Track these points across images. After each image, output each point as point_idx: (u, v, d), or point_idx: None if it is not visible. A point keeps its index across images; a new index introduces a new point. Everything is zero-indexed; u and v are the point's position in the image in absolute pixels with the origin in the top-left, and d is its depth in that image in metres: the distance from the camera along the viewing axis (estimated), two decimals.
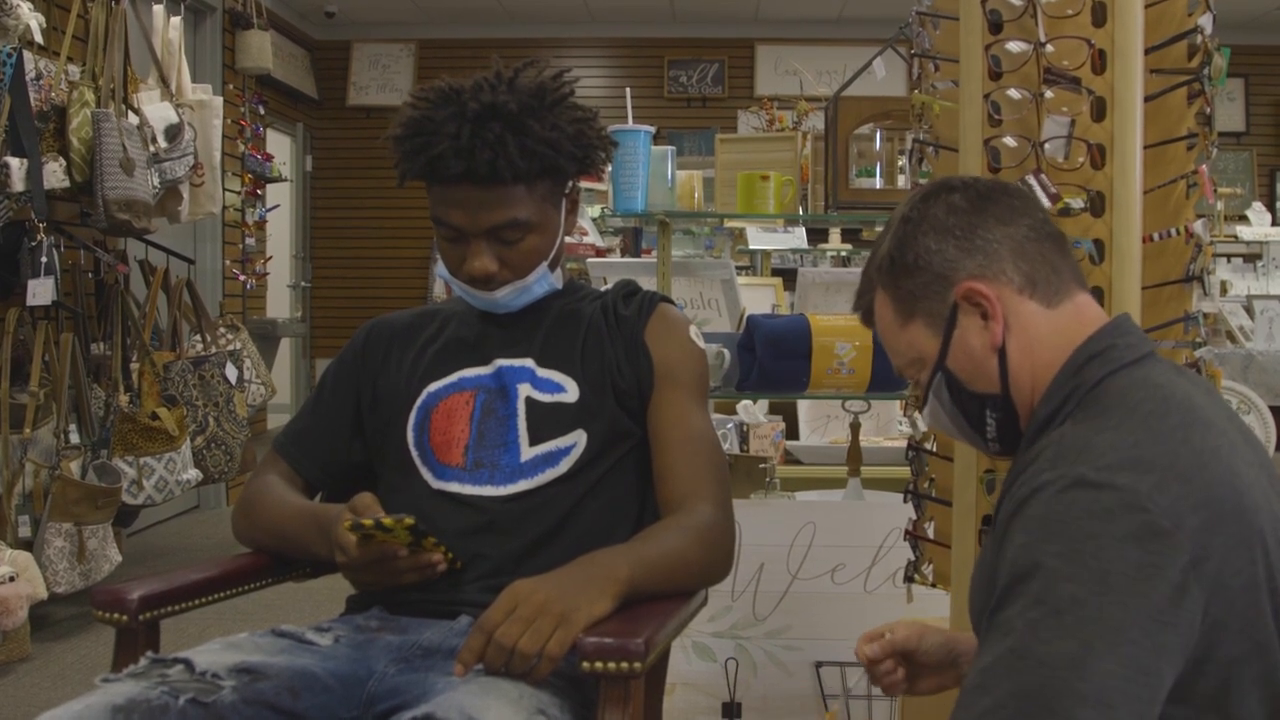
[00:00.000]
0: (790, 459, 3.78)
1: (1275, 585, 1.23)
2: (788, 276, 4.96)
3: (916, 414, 1.87)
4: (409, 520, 1.59)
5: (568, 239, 1.90)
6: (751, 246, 5.42)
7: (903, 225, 1.44)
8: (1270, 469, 1.34)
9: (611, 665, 1.43)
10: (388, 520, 1.59)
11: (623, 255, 5.78)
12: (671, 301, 1.95)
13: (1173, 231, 1.89)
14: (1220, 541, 1.19)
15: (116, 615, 1.67)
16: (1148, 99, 1.88)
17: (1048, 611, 1.16)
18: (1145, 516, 1.18)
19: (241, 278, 7.00)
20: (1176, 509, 1.18)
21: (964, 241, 1.40)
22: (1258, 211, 7.92)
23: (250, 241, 7.21)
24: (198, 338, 4.99)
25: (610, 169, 2.97)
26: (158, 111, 4.46)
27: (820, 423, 4.04)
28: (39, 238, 3.93)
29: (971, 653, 1.58)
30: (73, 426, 4.26)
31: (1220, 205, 7.35)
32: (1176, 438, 1.24)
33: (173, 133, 4.48)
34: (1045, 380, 1.39)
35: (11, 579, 3.61)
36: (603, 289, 1.97)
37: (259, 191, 7.39)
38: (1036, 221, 1.42)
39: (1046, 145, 1.87)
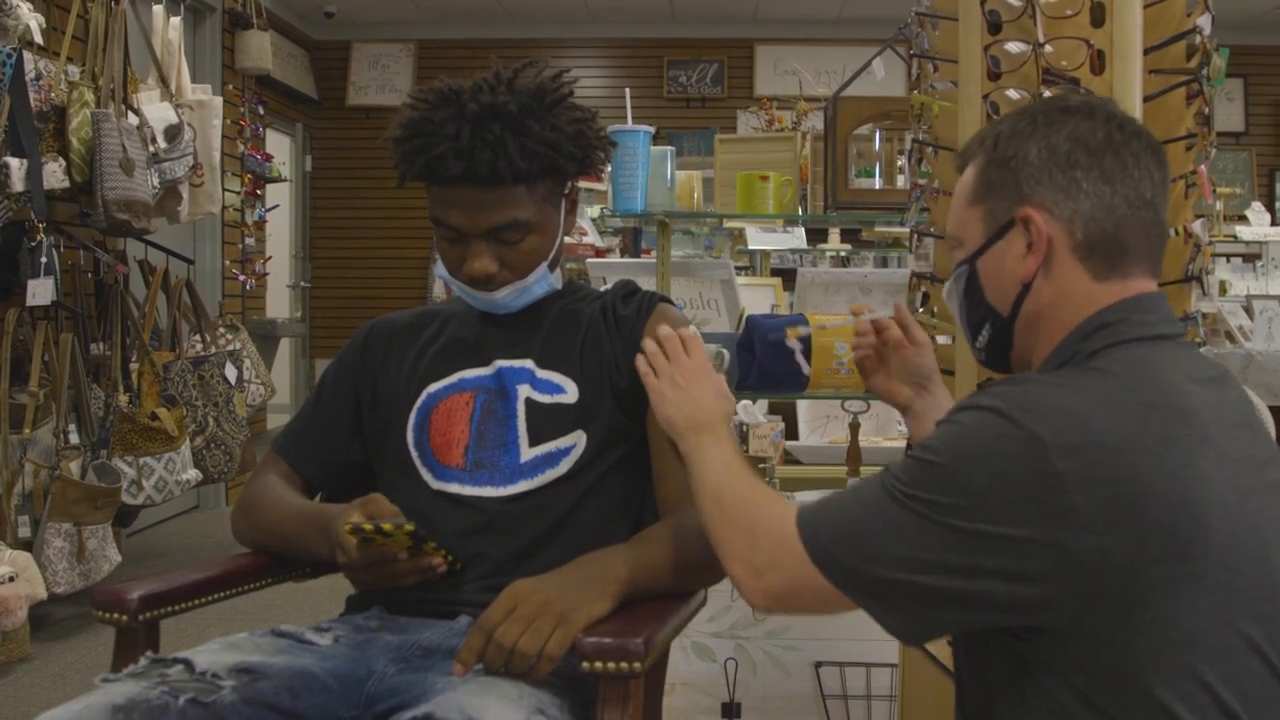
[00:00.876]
0: (790, 459, 3.78)
1: (1211, 581, 1.23)
2: (787, 276, 4.95)
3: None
4: (409, 526, 1.60)
5: (567, 239, 1.90)
6: (751, 246, 5.41)
7: (1030, 122, 1.43)
8: (1273, 470, 1.33)
9: (611, 665, 1.44)
10: (387, 525, 1.59)
11: (622, 255, 5.77)
12: (671, 301, 1.95)
13: (1172, 231, 1.89)
14: (1128, 522, 1.20)
15: (116, 615, 1.67)
16: (1146, 99, 1.88)
17: (903, 489, 1.28)
18: (1041, 466, 1.21)
19: (241, 278, 7.00)
20: (1086, 475, 1.21)
21: (1059, 173, 1.39)
22: (1257, 211, 7.91)
23: (250, 241, 7.21)
24: (197, 338, 4.99)
25: (610, 169, 2.98)
26: (157, 112, 4.47)
27: (819, 423, 4.04)
28: (39, 238, 3.94)
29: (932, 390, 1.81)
30: (72, 426, 4.26)
31: (1219, 205, 7.35)
32: (1132, 415, 1.25)
33: (172, 133, 4.48)
34: (1057, 338, 1.40)
35: (11, 579, 3.61)
36: (602, 289, 1.97)
37: (258, 191, 7.39)
38: (1142, 193, 1.39)
39: None
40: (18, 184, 3.78)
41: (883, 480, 1.32)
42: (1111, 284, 1.39)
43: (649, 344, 1.74)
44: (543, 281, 1.84)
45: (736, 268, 4.83)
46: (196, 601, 1.77)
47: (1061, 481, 1.20)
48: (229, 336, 5.13)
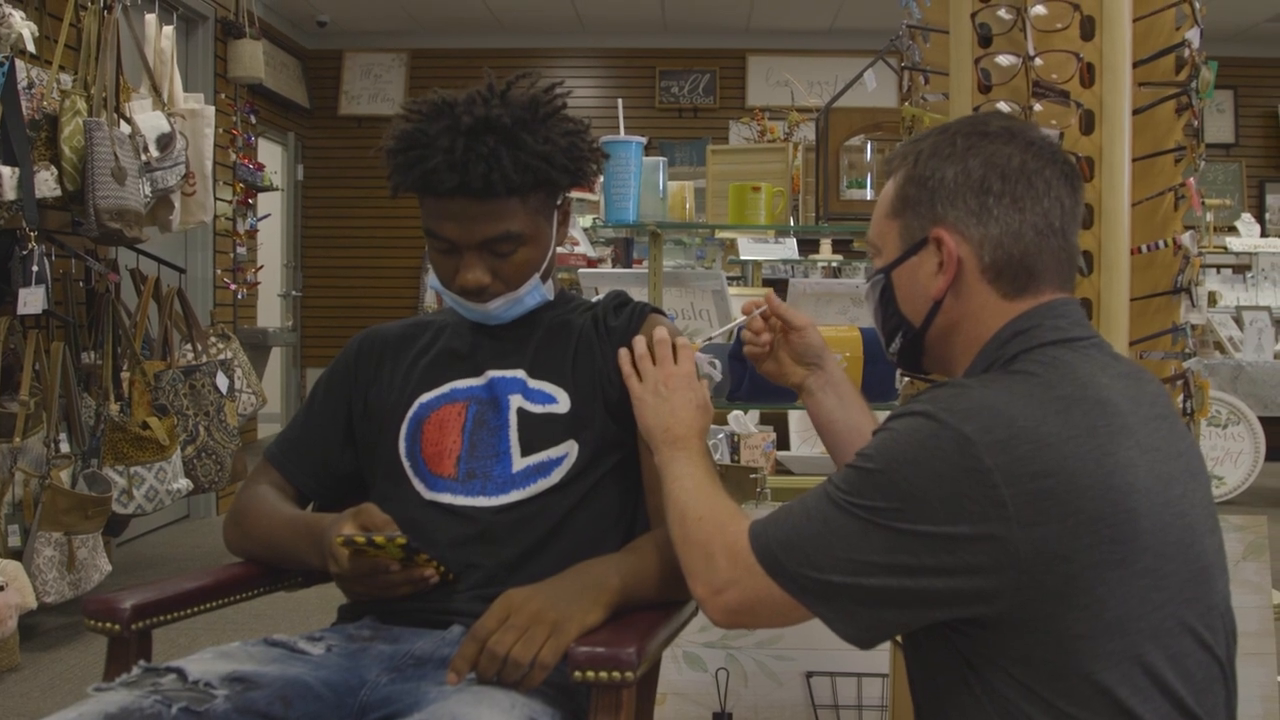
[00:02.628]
0: (781, 469, 3.78)
1: (1141, 566, 1.28)
2: (779, 287, 4.96)
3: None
4: (401, 540, 1.60)
5: (559, 249, 1.91)
6: (743, 257, 5.43)
7: (950, 143, 1.47)
8: (1191, 459, 1.40)
9: (603, 674, 1.44)
10: (379, 538, 1.60)
11: (614, 265, 5.78)
12: (662, 312, 1.96)
13: (1161, 243, 1.90)
14: (1057, 512, 1.25)
15: (109, 624, 1.67)
16: (1136, 112, 1.89)
17: (845, 497, 1.34)
18: (970, 464, 1.26)
19: (232, 287, 6.99)
20: (1013, 470, 1.26)
21: (973, 197, 1.43)
22: (1247, 223, 7.95)
23: (241, 250, 7.20)
24: (188, 347, 4.98)
25: (602, 180, 2.98)
26: (149, 120, 4.46)
27: (811, 433, 4.05)
28: (30, 246, 3.93)
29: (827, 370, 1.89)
30: (63, 435, 4.25)
31: (1209, 216, 7.38)
32: (1054, 409, 1.30)
33: (164, 142, 4.48)
34: (972, 349, 1.46)
35: (1, 588, 3.60)
36: (594, 300, 1.98)
37: (250, 201, 7.39)
38: (1051, 221, 1.43)
39: None
40: (9, 192, 3.77)
41: (825, 489, 1.38)
42: (1021, 301, 1.44)
43: (639, 344, 1.77)
44: (535, 292, 1.84)
45: (728, 278, 4.84)
46: (189, 611, 1.77)
47: (990, 476, 1.25)
48: (220, 346, 5.13)
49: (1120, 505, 1.27)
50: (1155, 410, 1.39)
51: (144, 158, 4.35)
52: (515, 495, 1.77)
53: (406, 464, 1.83)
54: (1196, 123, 1.93)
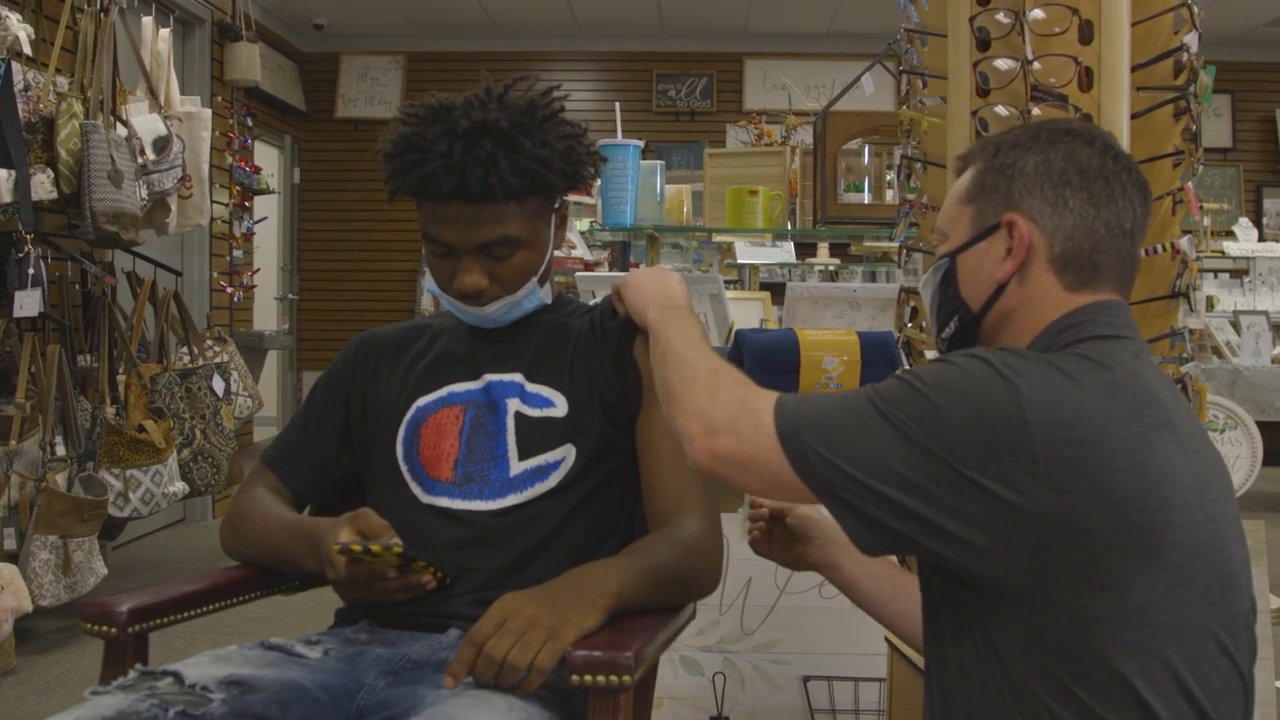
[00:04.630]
0: None
1: (1169, 561, 1.28)
2: (776, 291, 4.96)
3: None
4: (397, 547, 1.60)
5: (556, 253, 1.91)
6: (740, 260, 5.41)
7: (1033, 136, 1.50)
8: (1224, 472, 1.41)
9: (600, 678, 1.44)
10: (375, 546, 1.60)
11: (611, 269, 5.77)
12: None
13: (1159, 248, 1.90)
14: (1086, 486, 1.26)
15: (105, 628, 1.66)
16: (1134, 116, 1.89)
17: (886, 405, 1.34)
18: (1013, 412, 1.27)
19: (229, 290, 6.98)
20: (1052, 432, 1.27)
21: (1050, 188, 1.46)
22: (1244, 227, 7.96)
23: (238, 253, 7.20)
24: (185, 350, 4.98)
25: (599, 183, 2.98)
26: (146, 123, 4.46)
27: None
28: (26, 249, 3.93)
29: (831, 536, 1.86)
30: (59, 438, 4.24)
31: (1207, 221, 7.39)
32: (1102, 390, 1.31)
33: (161, 144, 4.47)
34: (1024, 340, 1.46)
35: None
36: (591, 303, 1.98)
37: (247, 204, 7.38)
38: (1123, 222, 1.45)
39: None
40: (5, 195, 3.77)
41: (867, 392, 1.38)
42: (1081, 295, 1.45)
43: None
44: (533, 296, 1.84)
45: (725, 282, 4.83)
46: (185, 614, 1.77)
47: (1029, 430, 1.26)
48: (216, 349, 5.12)
49: (1154, 494, 1.27)
50: (1193, 419, 1.41)
51: (140, 160, 4.34)
52: (513, 499, 1.76)
53: (404, 467, 1.83)
54: (1194, 127, 1.93)
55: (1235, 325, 6.89)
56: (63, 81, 4.18)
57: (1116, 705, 1.27)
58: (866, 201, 3.41)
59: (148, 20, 4.88)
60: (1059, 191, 1.45)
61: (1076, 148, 1.46)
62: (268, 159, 8.75)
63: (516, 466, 1.78)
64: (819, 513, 1.84)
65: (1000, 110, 1.91)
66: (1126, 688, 1.27)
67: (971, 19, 1.92)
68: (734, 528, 2.21)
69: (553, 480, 1.78)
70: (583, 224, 5.25)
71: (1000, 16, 1.91)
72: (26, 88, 3.98)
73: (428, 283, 1.91)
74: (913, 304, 2.13)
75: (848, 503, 1.33)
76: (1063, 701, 1.29)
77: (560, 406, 1.82)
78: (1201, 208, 1.89)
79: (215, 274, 6.85)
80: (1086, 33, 1.87)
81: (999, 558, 1.28)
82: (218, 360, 5.03)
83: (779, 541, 1.89)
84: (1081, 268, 1.44)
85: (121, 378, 4.59)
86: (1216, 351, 6.78)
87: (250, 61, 7.01)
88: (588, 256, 5.66)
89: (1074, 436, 1.26)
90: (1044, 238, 1.45)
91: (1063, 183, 1.45)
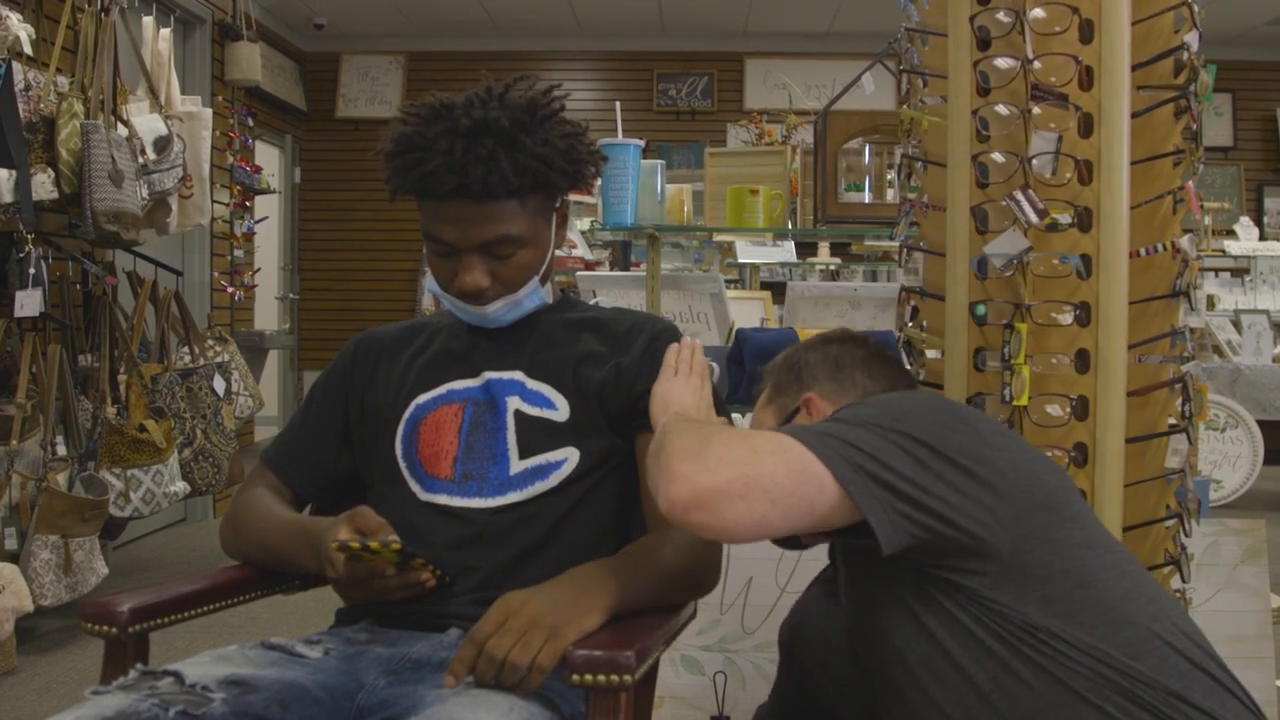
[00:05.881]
0: None
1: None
2: (777, 290, 4.96)
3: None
4: (396, 545, 1.60)
5: (556, 252, 1.91)
6: (740, 260, 5.42)
7: (806, 349, 1.88)
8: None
9: (601, 678, 1.44)
10: (374, 543, 1.60)
11: (611, 268, 5.78)
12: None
13: (1159, 247, 1.90)
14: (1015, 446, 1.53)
15: (105, 627, 1.66)
16: (1134, 115, 1.89)
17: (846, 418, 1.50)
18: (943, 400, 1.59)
19: (229, 289, 6.98)
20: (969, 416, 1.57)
21: (833, 371, 1.83)
22: (1245, 226, 7.96)
23: (238, 253, 7.20)
24: (185, 349, 4.98)
25: (600, 182, 2.98)
26: (147, 123, 4.46)
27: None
28: (27, 249, 3.92)
29: None
30: (60, 438, 4.24)
31: (1208, 220, 7.39)
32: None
33: (161, 144, 4.47)
34: None
35: None
36: (627, 317, 1.94)
37: (247, 203, 7.38)
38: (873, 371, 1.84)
39: (1034, 161, 1.88)
40: (6, 195, 3.76)
41: (834, 418, 1.55)
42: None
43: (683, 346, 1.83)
44: (534, 295, 1.84)
45: (726, 281, 4.84)
46: (186, 614, 1.77)
47: (960, 410, 1.60)
48: (217, 348, 5.12)
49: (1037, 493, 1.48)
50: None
51: (141, 160, 4.34)
52: (513, 497, 1.76)
53: (403, 465, 1.83)
54: (1195, 126, 1.92)
55: (1236, 324, 6.89)
56: (63, 81, 4.18)
57: (1113, 627, 1.39)
58: (867, 201, 3.41)
59: (148, 20, 4.88)
60: (838, 369, 1.83)
61: (839, 346, 1.86)
62: (268, 159, 8.75)
63: (517, 465, 1.78)
64: None
65: (1000, 109, 1.91)
66: (1115, 610, 1.40)
67: (972, 18, 1.92)
68: None
69: (554, 480, 1.78)
70: (583, 223, 5.26)
71: (1001, 15, 1.90)
72: (27, 87, 3.98)
73: (429, 282, 1.91)
74: (913, 303, 2.12)
75: (872, 478, 1.39)
76: (1056, 642, 1.38)
77: (561, 406, 1.82)
78: (1202, 207, 1.89)
79: (216, 274, 6.85)
80: (1087, 32, 1.87)
81: (994, 514, 1.41)
82: (218, 360, 5.03)
83: None
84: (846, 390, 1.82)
85: (122, 377, 4.59)
86: (1217, 350, 6.78)
87: (251, 61, 7.01)
88: (588, 256, 5.66)
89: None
90: (830, 399, 1.79)
91: (836, 365, 1.83)
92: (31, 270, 3.94)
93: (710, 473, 1.38)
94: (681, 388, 1.73)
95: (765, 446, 1.41)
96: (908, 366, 2.11)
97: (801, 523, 1.39)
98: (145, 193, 4.35)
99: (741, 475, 1.37)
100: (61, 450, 4.22)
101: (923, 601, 1.46)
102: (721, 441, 1.42)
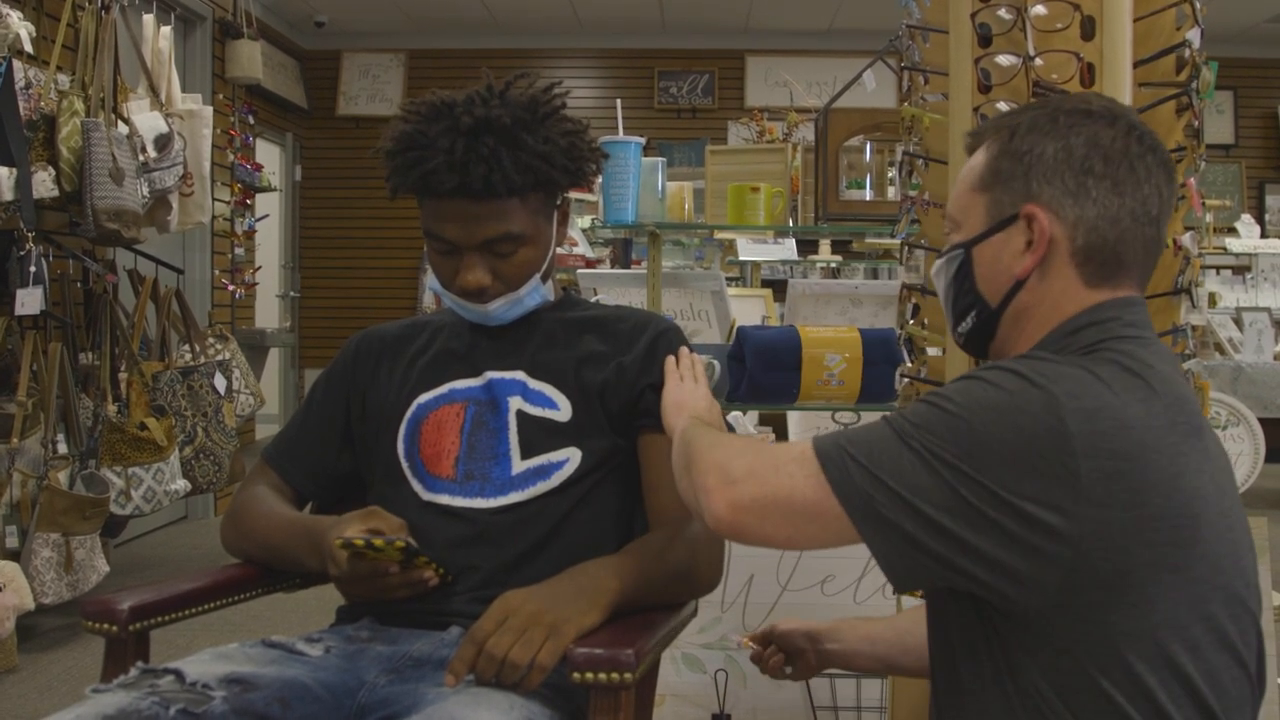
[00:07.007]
0: None
1: (1196, 574, 1.25)
2: (778, 288, 4.95)
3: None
4: (400, 542, 1.60)
5: (558, 250, 1.91)
6: (741, 258, 5.41)
7: (1050, 119, 1.42)
8: (1230, 469, 1.37)
9: (602, 676, 1.44)
10: (378, 541, 1.59)
11: (613, 266, 5.77)
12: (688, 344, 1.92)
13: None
14: (1126, 500, 1.21)
15: (106, 625, 1.66)
16: (1136, 112, 1.88)
17: (915, 431, 1.26)
18: (1053, 423, 1.21)
19: (230, 287, 6.98)
20: (1093, 443, 1.21)
21: (1072, 176, 1.38)
22: (1247, 224, 7.95)
23: (239, 251, 7.20)
24: (186, 347, 4.98)
25: (601, 180, 2.98)
26: (147, 121, 4.46)
27: (810, 434, 4.04)
28: (27, 247, 3.93)
29: (830, 634, 1.90)
30: (61, 436, 4.24)
31: (1209, 217, 7.38)
32: (1137, 397, 1.26)
33: (162, 142, 4.47)
34: (1039, 335, 1.41)
35: None
36: (625, 314, 1.94)
37: (248, 201, 7.38)
38: (1149, 209, 1.39)
39: None
40: (7, 193, 3.77)
41: (893, 419, 1.30)
42: (1101, 291, 1.39)
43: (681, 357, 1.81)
44: (535, 293, 1.84)
45: (727, 279, 4.83)
46: (186, 612, 1.77)
47: (1069, 443, 1.20)
48: (218, 346, 5.12)
49: (1185, 510, 1.24)
50: (1206, 422, 1.37)
51: (142, 158, 4.34)
52: (514, 497, 1.76)
53: (405, 465, 1.83)
54: (1197, 123, 1.92)
55: (1237, 322, 6.88)
56: (64, 79, 4.18)
57: (1137, 717, 1.24)
58: (868, 198, 3.40)
59: (149, 18, 4.88)
60: (1081, 180, 1.37)
61: (1098, 130, 1.38)
62: (269, 156, 8.74)
63: (519, 465, 1.78)
64: (794, 623, 1.95)
65: (1002, 107, 1.90)
66: (1149, 701, 1.24)
67: (973, 15, 1.92)
68: None
69: (555, 480, 1.77)
70: (584, 221, 5.25)
71: (1002, 12, 1.90)
72: (28, 85, 3.98)
73: (430, 280, 1.91)
74: (914, 301, 2.12)
75: (886, 520, 1.25)
76: (1085, 716, 1.25)
77: (563, 406, 1.82)
78: (1204, 204, 1.88)
79: (217, 271, 6.85)
80: (1088, 29, 1.87)
81: (1034, 580, 1.23)
82: (219, 358, 5.03)
83: (800, 661, 1.94)
84: (1104, 262, 1.38)
85: (123, 375, 4.59)
86: (1219, 348, 6.78)
87: (251, 59, 7.02)
88: (589, 253, 5.66)
89: (1115, 448, 1.21)
90: (1065, 230, 1.37)
91: (1085, 170, 1.37)
92: (32, 268, 3.94)
93: (735, 489, 1.35)
94: (693, 391, 1.72)
95: (787, 467, 1.32)
96: (908, 364, 2.10)
97: (832, 542, 1.33)
98: (146, 191, 4.35)
99: (765, 495, 1.33)
100: (62, 448, 4.23)
101: (976, 634, 1.34)
102: (742, 453, 1.39)
